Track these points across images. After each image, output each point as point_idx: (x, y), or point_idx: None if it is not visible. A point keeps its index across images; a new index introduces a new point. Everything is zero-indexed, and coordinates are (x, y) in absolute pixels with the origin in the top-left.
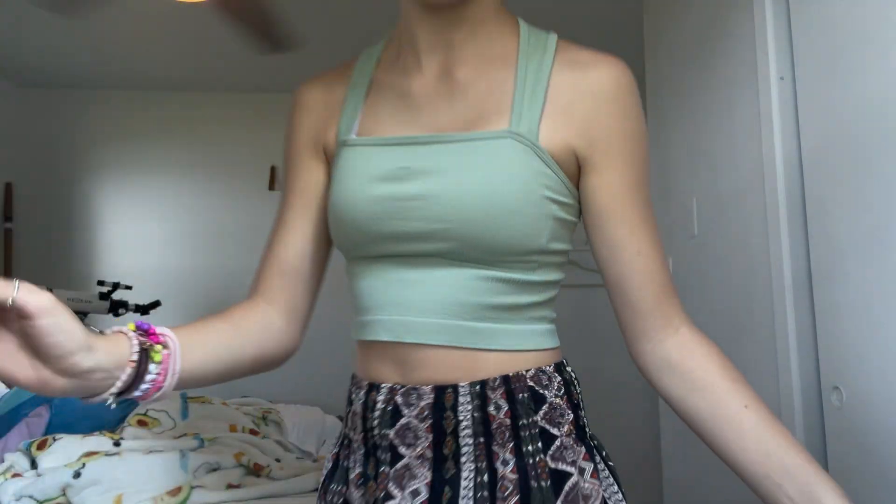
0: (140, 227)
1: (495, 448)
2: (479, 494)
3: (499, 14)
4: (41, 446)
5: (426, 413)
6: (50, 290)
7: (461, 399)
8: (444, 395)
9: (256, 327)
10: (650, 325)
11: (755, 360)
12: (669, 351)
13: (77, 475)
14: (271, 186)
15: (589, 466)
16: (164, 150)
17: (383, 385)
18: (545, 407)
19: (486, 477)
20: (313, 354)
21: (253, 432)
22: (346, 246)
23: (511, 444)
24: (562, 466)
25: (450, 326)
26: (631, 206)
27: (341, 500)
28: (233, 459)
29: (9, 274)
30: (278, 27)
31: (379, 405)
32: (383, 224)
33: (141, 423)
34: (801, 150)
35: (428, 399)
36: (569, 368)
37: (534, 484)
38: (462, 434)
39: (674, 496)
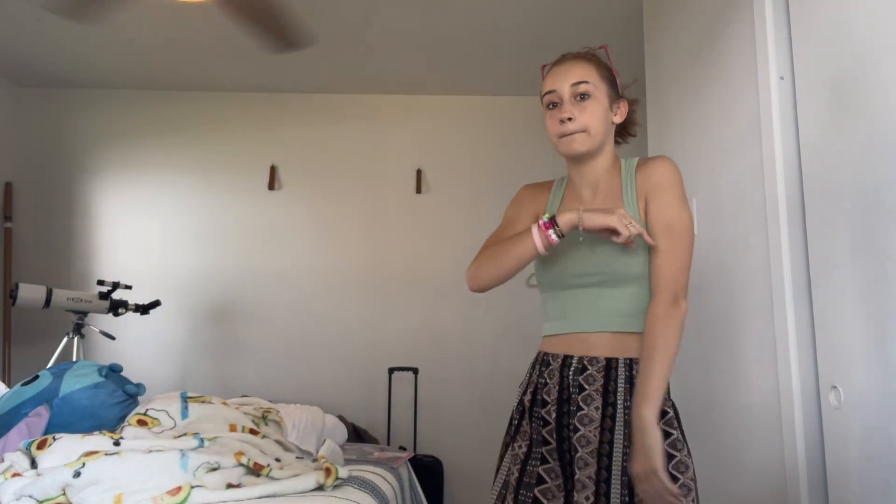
0: (140, 227)
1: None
2: (626, 416)
3: (614, 161)
4: (41, 446)
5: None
6: (50, 289)
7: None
8: (610, 363)
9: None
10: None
11: (755, 360)
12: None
13: (77, 475)
14: (271, 186)
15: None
16: (164, 150)
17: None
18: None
19: (629, 410)
20: (313, 355)
21: (252, 432)
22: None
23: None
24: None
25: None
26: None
27: (541, 420)
28: (233, 459)
29: (9, 274)
30: (289, 26)
31: (574, 364)
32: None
33: (141, 423)
34: (801, 150)
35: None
36: None
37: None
38: (619, 386)
39: None
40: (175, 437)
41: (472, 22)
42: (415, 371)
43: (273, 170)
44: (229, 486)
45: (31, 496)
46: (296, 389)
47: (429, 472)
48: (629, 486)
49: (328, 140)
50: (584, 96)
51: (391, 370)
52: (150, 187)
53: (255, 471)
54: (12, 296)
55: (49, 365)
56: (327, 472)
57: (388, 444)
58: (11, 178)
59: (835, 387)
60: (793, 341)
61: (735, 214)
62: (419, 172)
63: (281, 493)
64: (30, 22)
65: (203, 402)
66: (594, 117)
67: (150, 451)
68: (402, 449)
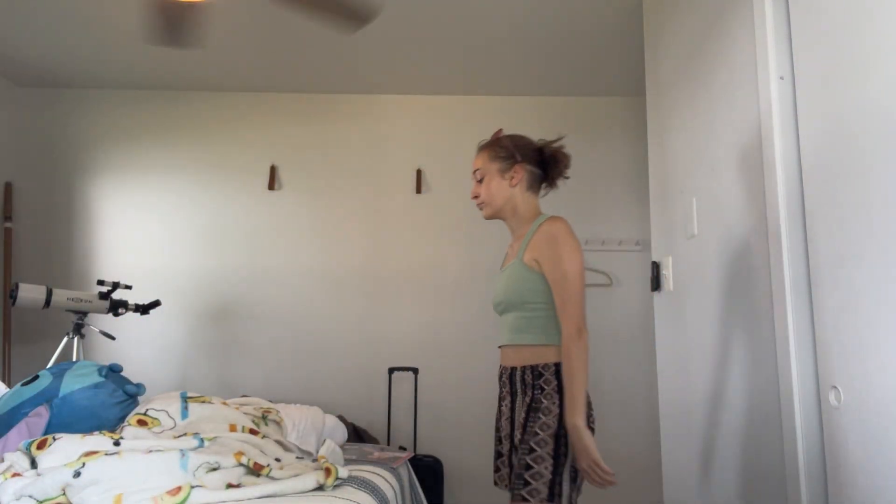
0: (140, 227)
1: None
2: (517, 404)
3: (528, 213)
4: (41, 446)
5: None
6: (50, 290)
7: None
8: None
9: None
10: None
11: (754, 360)
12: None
13: (77, 475)
14: (271, 186)
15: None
16: (165, 150)
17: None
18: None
19: (521, 400)
20: (313, 355)
21: (253, 432)
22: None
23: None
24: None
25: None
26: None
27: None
28: (233, 459)
29: (9, 274)
30: (351, 1)
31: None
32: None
33: (141, 423)
34: (801, 150)
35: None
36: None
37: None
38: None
39: (674, 496)
40: (175, 437)
41: (471, 22)
42: (415, 371)
43: (273, 170)
44: (229, 486)
45: (31, 496)
46: (296, 389)
47: (429, 472)
48: (520, 463)
49: (328, 140)
50: (480, 180)
51: (391, 370)
52: (151, 187)
53: (255, 471)
54: (12, 296)
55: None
56: (327, 472)
57: (388, 444)
58: (11, 178)
59: (835, 387)
60: (793, 341)
61: (735, 214)
62: (419, 172)
63: (281, 493)
64: (30, 22)
65: (203, 402)
66: (488, 191)
67: (150, 452)
68: (402, 449)
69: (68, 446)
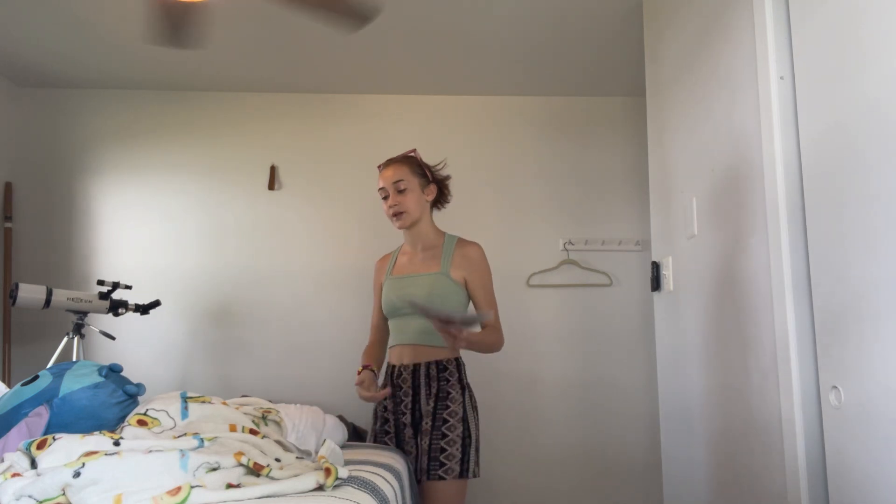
0: (140, 227)
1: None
2: (420, 396)
3: (433, 228)
4: (41, 446)
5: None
6: (50, 290)
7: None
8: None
9: (383, 347)
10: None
11: (755, 360)
12: None
13: (77, 475)
14: (271, 186)
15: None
16: (164, 150)
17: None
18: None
19: (426, 392)
20: (313, 355)
21: (252, 432)
22: (387, 313)
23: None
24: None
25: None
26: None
27: (384, 409)
28: (233, 459)
29: (9, 274)
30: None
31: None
32: (396, 308)
33: (141, 423)
34: (801, 149)
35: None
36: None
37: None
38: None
39: (674, 495)
40: (175, 438)
41: (471, 22)
42: None
43: (273, 170)
44: (229, 486)
45: (30, 496)
46: (296, 389)
47: None
48: (428, 451)
49: (328, 140)
50: (402, 190)
51: None
52: (151, 187)
53: (255, 471)
54: (12, 296)
55: (49, 365)
56: (327, 472)
57: None
58: (11, 178)
59: (835, 387)
60: (793, 341)
61: (735, 214)
62: None
63: (281, 493)
64: (30, 22)
65: (203, 402)
66: (412, 203)
67: (150, 452)
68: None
69: (68, 446)
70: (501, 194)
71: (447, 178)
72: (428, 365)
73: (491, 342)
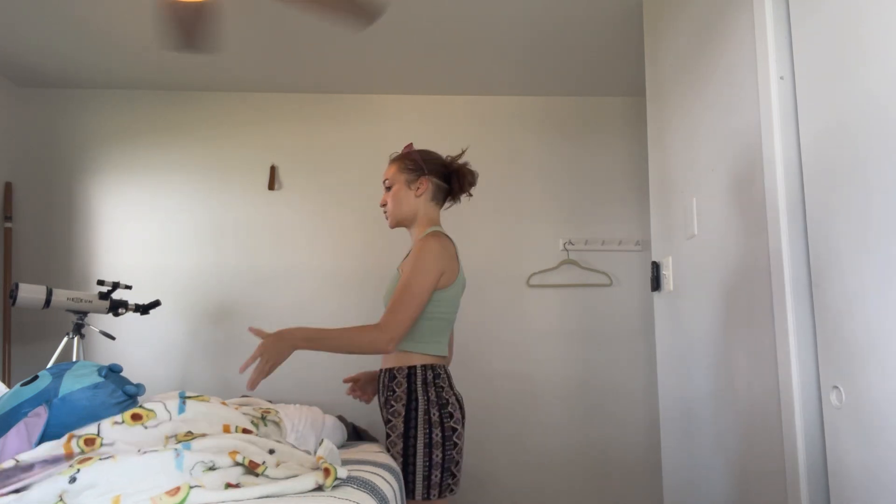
0: (140, 227)
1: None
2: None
3: (425, 224)
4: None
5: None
6: (50, 290)
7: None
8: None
9: None
10: None
11: (755, 360)
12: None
13: (73, 480)
14: (271, 186)
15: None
16: (164, 149)
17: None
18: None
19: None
20: (313, 355)
21: (246, 432)
22: None
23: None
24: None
25: None
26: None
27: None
28: (228, 458)
29: (9, 274)
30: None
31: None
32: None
33: (135, 417)
34: (801, 149)
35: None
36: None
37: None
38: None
39: (674, 496)
40: (167, 437)
41: (471, 22)
42: None
43: (273, 170)
44: (228, 485)
45: None
46: (296, 389)
47: None
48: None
49: (328, 140)
50: (388, 188)
51: None
52: (150, 187)
53: (251, 469)
54: (12, 296)
55: (49, 365)
56: (326, 472)
57: None
58: (11, 178)
59: (836, 387)
60: (793, 341)
61: (735, 214)
62: None
63: (280, 493)
64: (30, 22)
65: (202, 401)
66: (394, 201)
67: (144, 452)
68: None
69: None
70: (501, 194)
71: (458, 167)
72: (382, 372)
73: (347, 338)
